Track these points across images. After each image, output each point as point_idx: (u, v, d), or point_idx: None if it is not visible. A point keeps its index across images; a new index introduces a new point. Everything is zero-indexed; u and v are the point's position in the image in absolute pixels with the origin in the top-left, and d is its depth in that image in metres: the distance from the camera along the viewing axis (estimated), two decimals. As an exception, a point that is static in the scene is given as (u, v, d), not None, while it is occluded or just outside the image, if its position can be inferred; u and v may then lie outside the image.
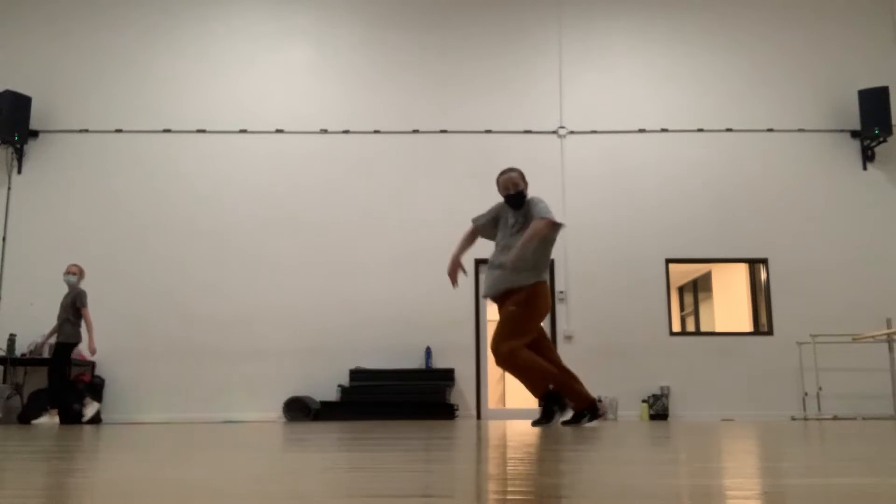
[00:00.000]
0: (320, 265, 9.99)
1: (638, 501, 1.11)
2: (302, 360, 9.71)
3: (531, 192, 5.59)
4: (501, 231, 5.40)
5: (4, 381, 9.11)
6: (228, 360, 9.72)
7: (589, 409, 5.29)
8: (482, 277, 10.11)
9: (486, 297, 5.36)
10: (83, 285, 8.36)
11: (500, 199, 5.56)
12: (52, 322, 8.43)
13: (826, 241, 10.07)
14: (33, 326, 9.44)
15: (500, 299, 5.29)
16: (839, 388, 9.61)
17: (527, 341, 5.11)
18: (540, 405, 5.23)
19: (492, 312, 10.93)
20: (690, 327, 13.56)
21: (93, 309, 10.00)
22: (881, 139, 10.11)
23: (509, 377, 14.45)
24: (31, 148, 10.29)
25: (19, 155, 10.20)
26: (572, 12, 10.72)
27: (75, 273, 8.41)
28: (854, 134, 10.35)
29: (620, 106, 10.46)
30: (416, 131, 10.38)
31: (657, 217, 10.13)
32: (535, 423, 5.18)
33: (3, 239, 10.04)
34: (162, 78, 10.53)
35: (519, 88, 10.52)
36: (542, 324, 5.29)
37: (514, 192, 5.31)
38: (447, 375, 9.49)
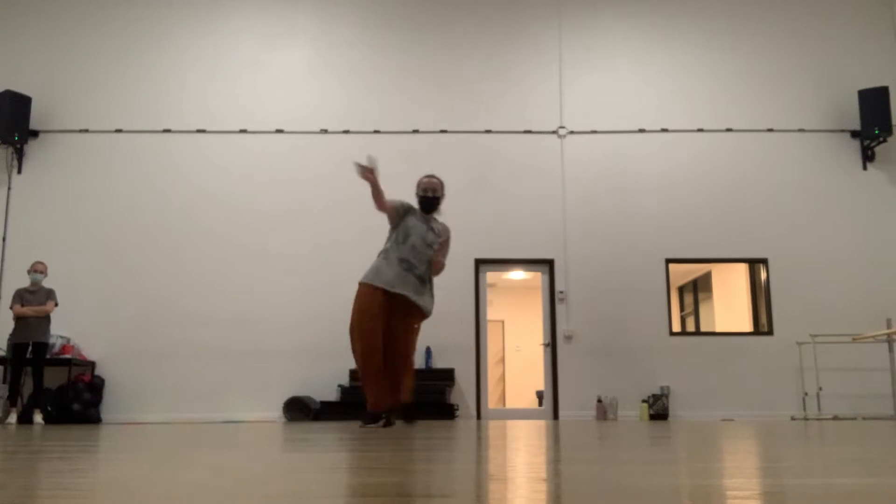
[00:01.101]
0: (320, 265, 9.99)
1: (638, 501, 1.11)
2: (302, 359, 9.71)
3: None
4: (413, 234, 5.36)
5: (4, 381, 9.11)
6: (228, 360, 9.71)
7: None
8: (482, 278, 10.11)
9: (392, 290, 5.26)
10: (46, 283, 8.55)
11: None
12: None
13: (826, 241, 10.07)
14: (33, 326, 9.43)
15: (403, 306, 5.27)
16: (839, 388, 9.61)
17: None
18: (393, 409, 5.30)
19: (494, 313, 10.88)
20: (690, 327, 13.56)
21: (93, 309, 10.03)
22: (881, 139, 10.11)
23: (509, 378, 14.48)
24: (31, 148, 10.29)
25: (19, 155, 10.20)
26: (572, 12, 10.72)
27: (42, 271, 8.45)
28: (854, 134, 10.35)
29: (620, 106, 10.46)
30: (416, 131, 10.38)
31: (657, 217, 10.13)
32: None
33: (3, 239, 10.04)
34: (162, 78, 10.53)
35: (519, 88, 10.52)
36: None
37: (433, 196, 5.46)
38: (447, 375, 9.49)
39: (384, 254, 5.38)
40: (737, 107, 10.47)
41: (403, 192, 10.19)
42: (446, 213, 10.38)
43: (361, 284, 5.28)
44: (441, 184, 5.55)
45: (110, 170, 10.27)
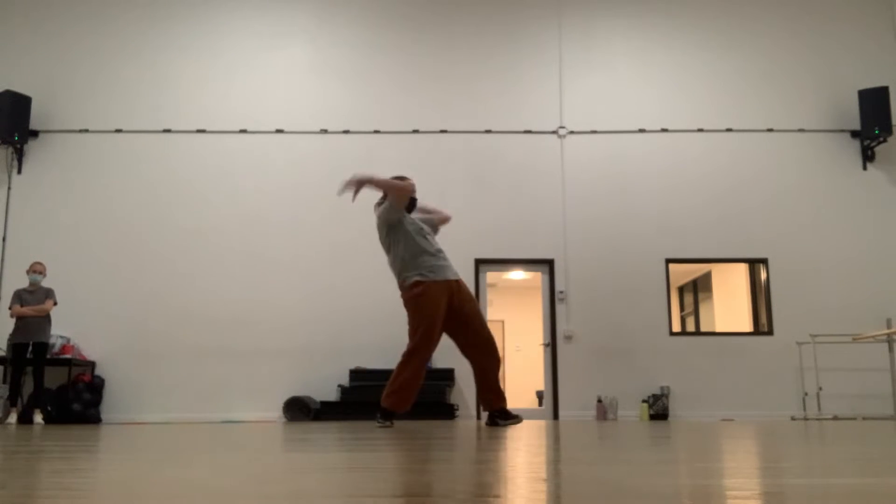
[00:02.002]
0: (320, 265, 9.99)
1: (638, 501, 1.11)
2: (302, 360, 9.71)
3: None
4: (423, 228, 5.34)
5: (4, 381, 9.11)
6: (228, 360, 9.71)
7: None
8: (482, 278, 10.11)
9: (456, 277, 5.26)
10: (45, 282, 8.58)
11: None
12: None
13: (826, 241, 10.06)
14: (33, 326, 9.43)
15: (464, 289, 5.27)
16: (839, 388, 9.61)
17: None
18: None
19: (494, 313, 10.84)
20: (690, 327, 13.55)
21: (93, 309, 10.03)
22: (881, 139, 10.11)
23: (509, 378, 14.47)
24: (31, 148, 10.29)
25: (19, 155, 10.20)
26: (572, 12, 10.72)
27: (41, 272, 8.47)
28: (854, 134, 10.34)
29: (620, 106, 10.46)
30: (416, 131, 10.37)
31: (657, 217, 10.13)
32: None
33: (3, 239, 10.04)
34: (162, 78, 10.53)
35: (519, 88, 10.52)
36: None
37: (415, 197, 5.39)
38: (447, 375, 9.48)
39: (425, 251, 5.19)
40: (737, 107, 10.47)
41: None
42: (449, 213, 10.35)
43: (426, 283, 5.10)
44: None
45: (110, 170, 10.27)
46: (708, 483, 1.37)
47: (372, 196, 10.28)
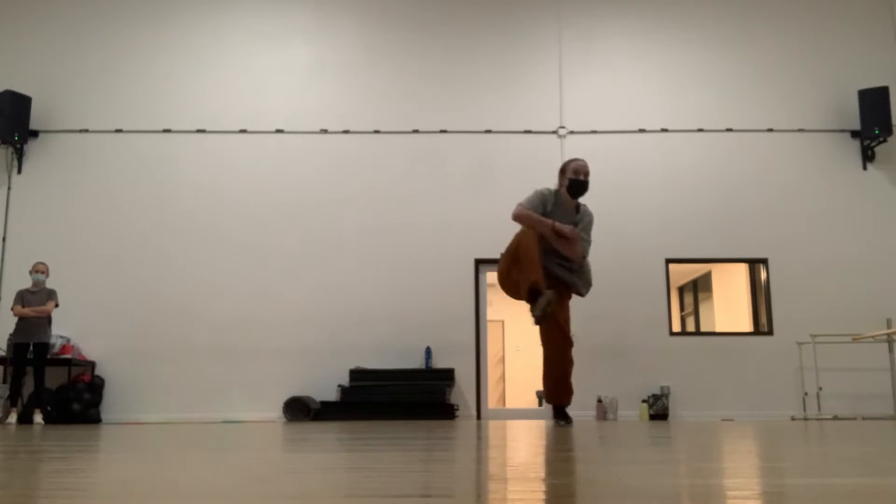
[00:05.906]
0: (320, 265, 9.99)
1: (638, 501, 1.11)
2: (302, 360, 9.71)
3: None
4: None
5: (4, 381, 9.11)
6: (228, 360, 9.71)
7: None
8: (482, 278, 10.11)
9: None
10: (49, 283, 8.57)
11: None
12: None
13: (826, 241, 10.06)
14: (33, 326, 9.42)
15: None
16: (839, 388, 9.61)
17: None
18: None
19: (494, 313, 10.82)
20: (690, 327, 13.55)
21: (93, 309, 10.03)
22: (881, 139, 10.11)
23: (509, 378, 14.47)
24: (31, 148, 10.29)
25: (19, 155, 10.20)
26: (572, 12, 10.71)
27: (43, 271, 8.47)
28: (854, 134, 10.34)
29: (620, 106, 10.46)
30: (416, 131, 10.37)
31: (657, 217, 10.12)
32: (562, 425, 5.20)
33: (3, 239, 10.04)
34: (162, 78, 10.53)
35: (519, 88, 10.52)
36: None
37: (585, 179, 5.26)
38: (447, 375, 9.48)
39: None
40: (737, 107, 10.46)
41: (402, 191, 10.22)
42: (447, 213, 10.41)
43: None
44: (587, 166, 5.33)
45: (110, 170, 10.26)
46: (708, 483, 1.37)
47: (378, 192, 10.29)
